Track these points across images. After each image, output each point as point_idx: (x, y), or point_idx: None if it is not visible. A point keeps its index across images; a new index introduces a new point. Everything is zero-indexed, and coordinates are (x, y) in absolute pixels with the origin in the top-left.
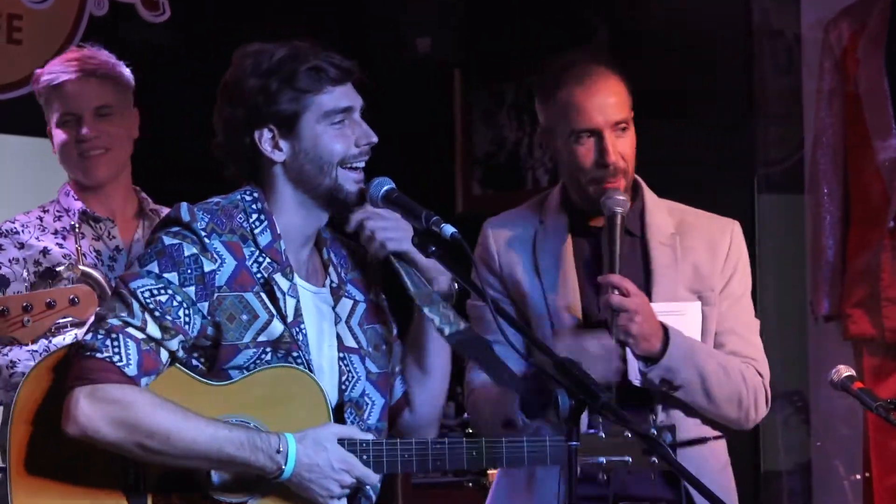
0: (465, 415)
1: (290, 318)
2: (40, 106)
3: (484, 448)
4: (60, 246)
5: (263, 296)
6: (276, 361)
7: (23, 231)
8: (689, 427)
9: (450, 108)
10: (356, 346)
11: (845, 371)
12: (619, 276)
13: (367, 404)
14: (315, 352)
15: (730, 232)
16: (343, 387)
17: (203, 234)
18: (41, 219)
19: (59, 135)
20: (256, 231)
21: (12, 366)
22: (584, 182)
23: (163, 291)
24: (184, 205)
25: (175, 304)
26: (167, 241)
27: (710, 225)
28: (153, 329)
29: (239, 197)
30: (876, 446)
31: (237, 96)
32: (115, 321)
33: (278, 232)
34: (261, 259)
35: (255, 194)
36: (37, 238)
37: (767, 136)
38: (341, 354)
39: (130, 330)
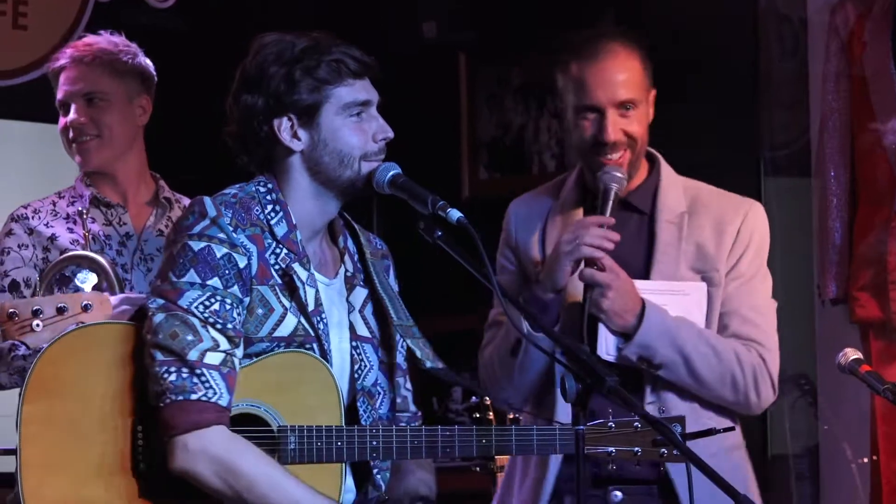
0: (473, 399)
1: (310, 307)
2: (47, 91)
3: (494, 435)
4: (71, 231)
5: (278, 289)
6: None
7: (33, 217)
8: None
9: (455, 92)
10: (369, 335)
11: (852, 354)
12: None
13: (379, 393)
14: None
15: (743, 212)
16: (356, 376)
17: (230, 229)
18: (55, 203)
19: (60, 121)
20: (272, 222)
21: (15, 348)
22: (583, 155)
23: (213, 300)
24: (206, 199)
25: (228, 307)
26: (195, 245)
27: (723, 204)
28: (224, 343)
29: (254, 188)
30: (883, 429)
31: (258, 84)
32: (192, 355)
33: (294, 222)
34: (278, 250)
35: (270, 185)
36: (46, 224)
37: (774, 120)
38: (354, 343)
39: (208, 358)
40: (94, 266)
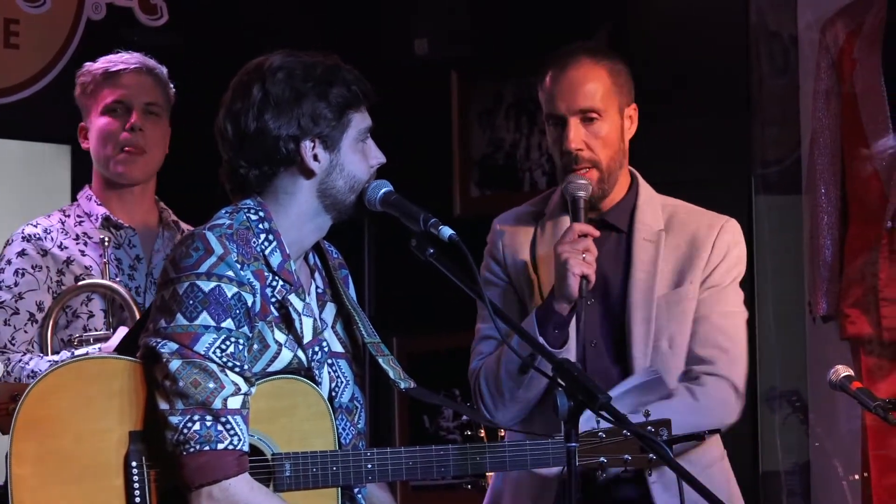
0: (463, 418)
1: (307, 339)
2: (38, 111)
3: (488, 452)
4: (83, 253)
5: (275, 324)
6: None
7: (45, 237)
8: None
9: (447, 109)
10: (342, 350)
11: (843, 371)
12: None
13: (357, 408)
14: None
15: (718, 227)
16: (333, 394)
17: (238, 266)
18: (63, 223)
19: (101, 121)
20: (267, 252)
21: (33, 375)
22: (559, 167)
23: (228, 342)
24: (208, 234)
25: (241, 347)
26: (204, 286)
27: (700, 220)
28: (243, 385)
29: (244, 216)
30: (874, 446)
31: (288, 104)
32: (217, 403)
33: (287, 252)
34: (274, 282)
35: (261, 212)
36: (60, 245)
37: (764, 137)
38: (330, 361)
39: (231, 403)
40: (112, 295)
